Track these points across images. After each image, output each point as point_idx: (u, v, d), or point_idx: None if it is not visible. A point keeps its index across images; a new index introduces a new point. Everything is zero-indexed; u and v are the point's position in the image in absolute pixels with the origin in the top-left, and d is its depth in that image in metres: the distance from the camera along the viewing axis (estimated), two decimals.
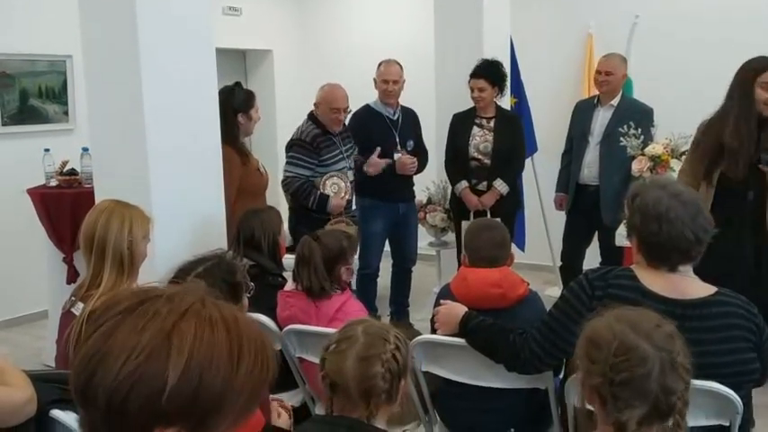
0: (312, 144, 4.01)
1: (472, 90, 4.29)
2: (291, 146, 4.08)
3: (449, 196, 4.72)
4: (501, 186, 4.35)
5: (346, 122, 4.22)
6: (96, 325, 0.84)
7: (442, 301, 2.42)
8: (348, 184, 4.01)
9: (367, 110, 4.49)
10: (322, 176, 3.99)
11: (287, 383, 2.72)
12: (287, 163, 4.06)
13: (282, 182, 4.00)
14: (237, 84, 3.89)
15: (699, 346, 1.53)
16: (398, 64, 4.51)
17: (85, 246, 2.28)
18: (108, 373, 0.80)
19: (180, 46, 2.98)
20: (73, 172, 4.24)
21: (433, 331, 2.55)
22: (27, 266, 4.84)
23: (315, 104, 4.17)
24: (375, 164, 4.28)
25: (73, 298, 2.29)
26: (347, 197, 3.98)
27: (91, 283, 2.25)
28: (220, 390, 0.82)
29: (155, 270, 2.73)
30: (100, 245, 2.25)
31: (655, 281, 1.90)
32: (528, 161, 5.29)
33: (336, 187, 3.95)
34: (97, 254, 2.25)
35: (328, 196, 3.94)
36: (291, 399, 2.75)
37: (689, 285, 1.90)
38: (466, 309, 2.30)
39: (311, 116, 4.16)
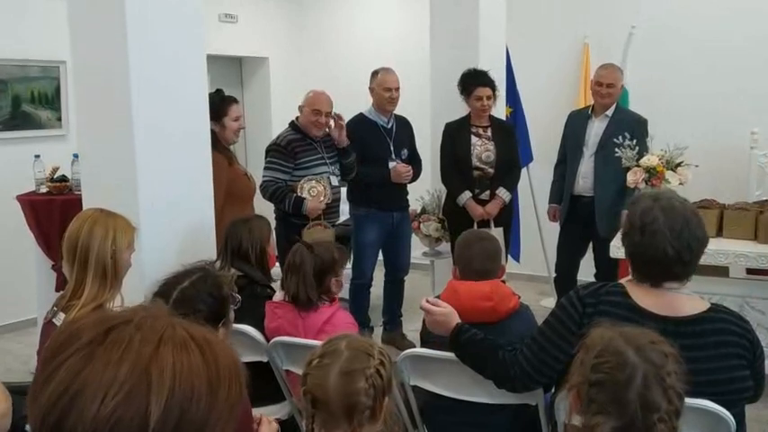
0: (287, 148, 4.01)
1: (479, 99, 4.25)
2: (268, 151, 4.09)
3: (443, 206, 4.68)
4: (504, 195, 4.34)
5: (333, 129, 4.17)
6: (60, 359, 0.76)
7: (430, 300, 2.31)
8: (328, 188, 3.97)
9: (361, 119, 4.46)
10: (300, 180, 3.96)
11: (274, 396, 2.68)
12: (264, 168, 4.06)
13: (260, 186, 3.98)
14: (218, 90, 3.85)
15: (692, 363, 1.49)
16: (394, 71, 4.49)
17: (68, 255, 2.24)
18: (84, 415, 0.72)
19: (170, 52, 2.95)
20: (63, 179, 4.20)
21: (423, 344, 2.51)
22: (17, 273, 4.79)
23: (299, 108, 4.18)
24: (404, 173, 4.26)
25: (55, 308, 2.24)
26: (326, 201, 3.94)
27: (73, 293, 2.20)
28: (202, 420, 0.77)
29: (144, 278, 2.69)
30: (83, 254, 2.20)
31: (646, 297, 1.86)
32: (523, 171, 5.27)
33: (315, 191, 3.91)
34: (80, 263, 2.20)
35: (303, 199, 3.90)
36: (279, 412, 2.71)
37: (681, 302, 1.86)
38: (459, 320, 2.25)
39: (292, 123, 4.19)
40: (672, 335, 1.55)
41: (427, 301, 2.28)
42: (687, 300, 1.87)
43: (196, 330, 0.83)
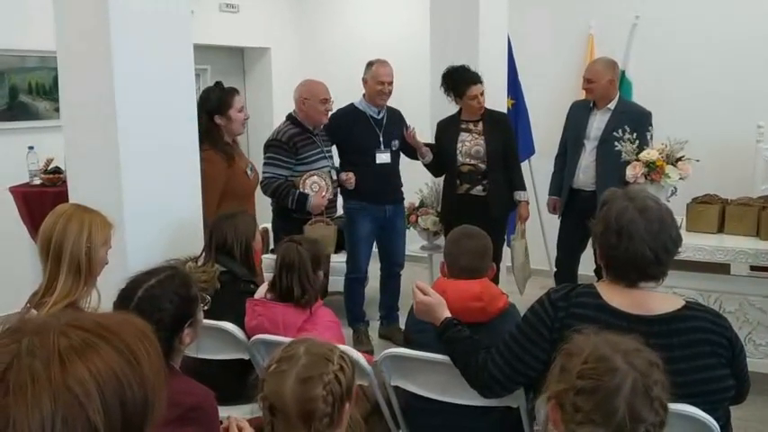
0: (288, 143, 3.94)
1: (474, 97, 4.16)
2: (268, 146, 4.01)
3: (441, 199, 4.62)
4: (524, 196, 4.39)
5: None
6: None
7: (420, 286, 2.23)
8: (329, 182, 3.90)
9: (351, 109, 4.35)
10: (302, 176, 3.89)
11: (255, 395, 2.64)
12: (264, 164, 3.98)
13: (260, 183, 3.90)
14: (217, 84, 3.79)
15: (666, 364, 1.43)
16: (389, 63, 4.41)
17: (42, 250, 2.20)
18: None
19: (156, 47, 2.91)
20: (57, 170, 4.18)
21: (407, 344, 2.46)
22: (12, 266, 4.76)
23: (302, 100, 4.07)
24: (347, 180, 4.17)
25: (28, 305, 2.21)
26: (328, 196, 3.87)
27: (46, 289, 2.17)
28: (143, 396, 0.80)
29: (128, 275, 2.65)
30: (56, 250, 2.17)
31: (618, 297, 1.80)
32: (525, 164, 5.19)
33: (317, 186, 3.85)
34: (53, 259, 2.17)
35: (307, 195, 3.84)
36: (261, 410, 2.67)
37: (654, 300, 1.79)
38: (448, 313, 2.17)
39: (290, 116, 4.10)
40: (643, 334, 1.49)
41: (418, 287, 2.21)
42: (660, 298, 1.81)
43: (86, 321, 0.82)
